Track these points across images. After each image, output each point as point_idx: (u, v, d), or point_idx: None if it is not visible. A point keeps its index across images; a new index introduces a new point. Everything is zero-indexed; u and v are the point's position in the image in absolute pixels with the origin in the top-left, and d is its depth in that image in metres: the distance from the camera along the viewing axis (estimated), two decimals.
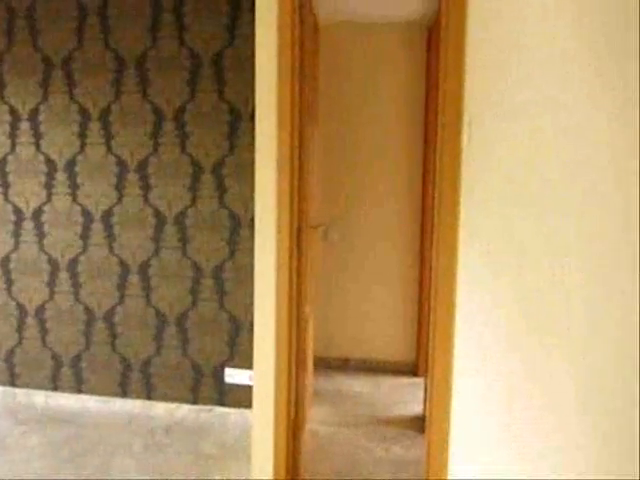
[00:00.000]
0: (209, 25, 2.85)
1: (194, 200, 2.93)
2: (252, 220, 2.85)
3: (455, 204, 1.96)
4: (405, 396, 3.28)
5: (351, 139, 3.64)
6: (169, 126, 2.93)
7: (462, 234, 1.94)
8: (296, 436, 2.21)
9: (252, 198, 2.83)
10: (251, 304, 2.86)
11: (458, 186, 1.97)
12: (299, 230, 2.27)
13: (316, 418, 2.94)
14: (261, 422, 2.17)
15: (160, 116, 2.94)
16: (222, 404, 2.97)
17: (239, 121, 2.86)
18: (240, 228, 2.89)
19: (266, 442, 2.15)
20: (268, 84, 2.20)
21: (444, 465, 1.84)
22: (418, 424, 2.87)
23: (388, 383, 3.46)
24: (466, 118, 1.95)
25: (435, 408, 1.85)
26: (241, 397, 2.93)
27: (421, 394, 3.14)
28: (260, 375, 2.18)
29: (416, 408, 3.08)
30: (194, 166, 2.92)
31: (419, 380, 3.43)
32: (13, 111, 3.09)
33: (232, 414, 2.94)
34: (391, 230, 3.65)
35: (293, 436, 2.20)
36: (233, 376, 2.93)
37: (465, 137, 1.93)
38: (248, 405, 2.89)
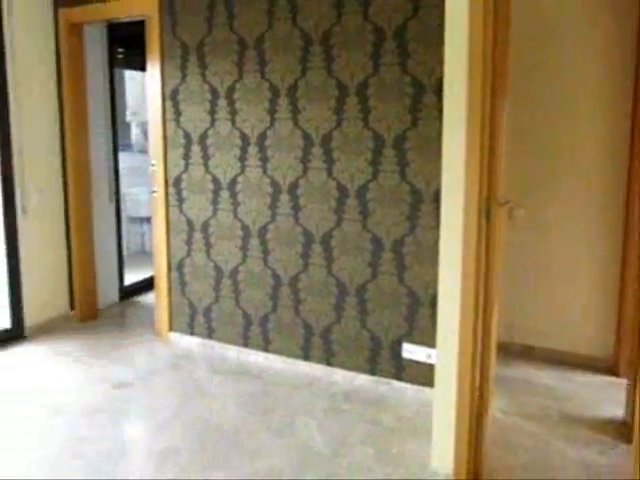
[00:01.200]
0: None
1: (375, 174, 2.94)
2: (434, 195, 2.79)
3: None
4: (599, 396, 2.98)
5: (542, 108, 3.33)
6: (352, 100, 2.96)
7: None
8: (479, 421, 2.15)
9: (434, 173, 2.76)
10: (431, 280, 2.82)
11: None
12: (488, 207, 2.15)
13: (496, 406, 2.82)
14: (443, 403, 2.15)
15: (344, 91, 2.98)
16: (398, 378, 3.01)
17: (422, 94, 2.79)
18: (421, 203, 2.84)
19: (447, 424, 2.13)
20: (457, 54, 2.09)
21: None
22: (616, 430, 2.60)
23: (579, 379, 3.18)
24: None
25: None
26: (418, 373, 2.94)
27: (621, 397, 2.82)
28: (443, 355, 2.15)
29: (614, 411, 2.78)
30: (376, 140, 2.92)
31: (618, 380, 3.09)
32: (213, 90, 3.37)
33: (409, 389, 2.97)
34: (587, 210, 3.29)
35: (476, 421, 2.15)
36: (411, 352, 2.93)
37: None
38: (425, 382, 2.89)
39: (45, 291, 3.97)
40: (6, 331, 3.73)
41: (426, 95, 2.78)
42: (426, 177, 2.81)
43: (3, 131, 3.62)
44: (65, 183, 4.03)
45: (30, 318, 3.84)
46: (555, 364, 3.36)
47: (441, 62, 2.61)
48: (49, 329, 3.95)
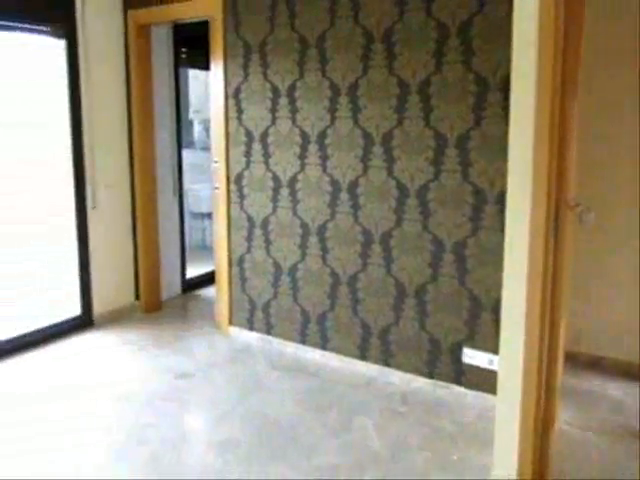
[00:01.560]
0: None
1: (437, 174, 2.89)
2: (498, 196, 2.71)
3: None
4: None
5: (617, 103, 3.17)
6: (414, 99, 2.92)
7: None
8: (545, 431, 2.09)
9: (499, 173, 2.68)
10: (494, 284, 2.75)
11: None
12: (557, 210, 2.08)
13: (561, 417, 2.71)
14: (506, 412, 2.10)
15: (405, 89, 2.94)
16: (458, 383, 2.96)
17: (486, 92, 2.71)
18: (485, 204, 2.77)
19: (511, 434, 2.08)
20: (526, 49, 2.01)
21: None
22: None
23: None
24: None
25: None
26: (478, 379, 2.88)
27: None
28: (507, 362, 2.09)
29: None
30: (438, 139, 2.87)
31: None
32: (274, 88, 3.41)
33: (469, 395, 2.92)
34: None
35: (542, 430, 2.08)
36: (471, 357, 2.88)
37: None
38: (486, 389, 2.83)
39: (112, 282, 4.15)
40: (76, 318, 3.93)
41: (491, 93, 2.70)
42: (490, 178, 2.74)
43: (75, 129, 3.80)
44: (132, 179, 4.19)
45: (98, 307, 4.03)
46: (625, 376, 3.20)
47: (507, 59, 2.54)
48: (115, 318, 4.12)
